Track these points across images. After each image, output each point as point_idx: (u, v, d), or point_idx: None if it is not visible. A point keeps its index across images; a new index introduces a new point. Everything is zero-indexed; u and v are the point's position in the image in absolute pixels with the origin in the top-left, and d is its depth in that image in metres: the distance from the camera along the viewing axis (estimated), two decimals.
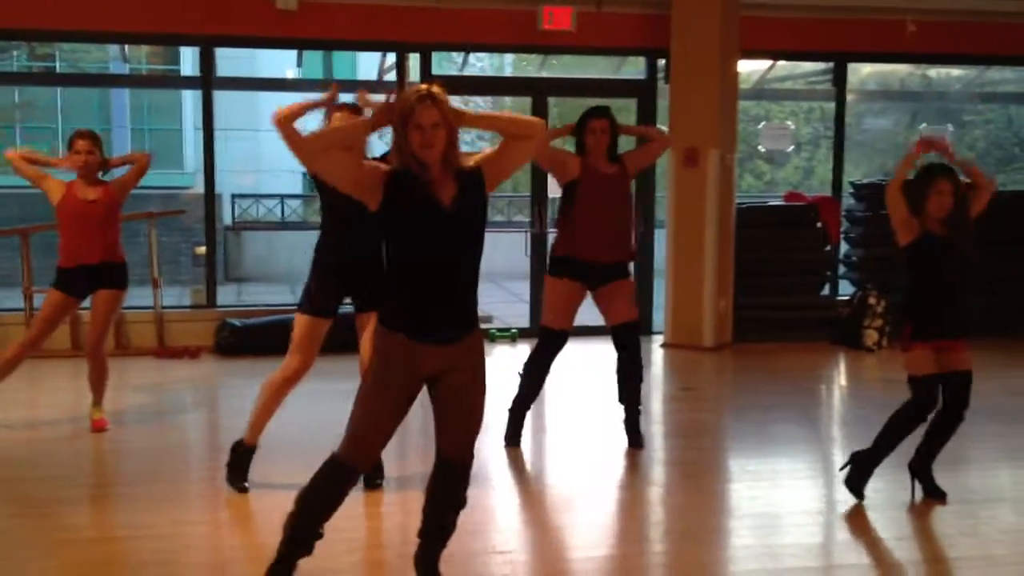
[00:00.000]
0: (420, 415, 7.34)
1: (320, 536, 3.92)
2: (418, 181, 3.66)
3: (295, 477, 5.65)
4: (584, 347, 8.48)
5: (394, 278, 3.75)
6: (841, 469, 5.62)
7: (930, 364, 5.27)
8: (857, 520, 5.27)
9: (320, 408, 7.25)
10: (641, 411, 6.53)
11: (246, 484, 5.44)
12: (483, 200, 3.77)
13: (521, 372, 6.46)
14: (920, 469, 5.51)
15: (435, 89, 3.67)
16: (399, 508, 5.33)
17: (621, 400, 6.46)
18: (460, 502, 4.06)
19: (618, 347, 6.36)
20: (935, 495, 5.46)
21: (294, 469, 5.82)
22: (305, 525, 3.88)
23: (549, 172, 6.86)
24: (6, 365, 6.66)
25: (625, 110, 10.24)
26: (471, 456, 3.99)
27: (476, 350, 3.86)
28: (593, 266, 6.20)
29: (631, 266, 6.69)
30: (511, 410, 6.47)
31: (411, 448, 6.44)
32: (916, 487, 5.53)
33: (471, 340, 3.83)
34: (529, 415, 6.56)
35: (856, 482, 5.48)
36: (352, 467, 3.84)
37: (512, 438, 6.46)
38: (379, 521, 5.25)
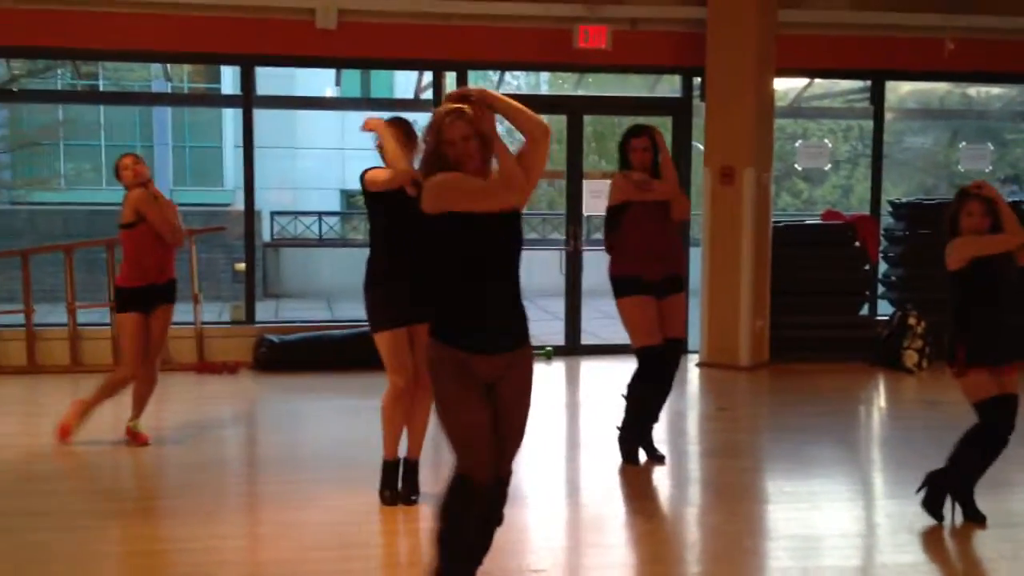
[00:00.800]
0: None
1: (472, 548, 4.00)
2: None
3: (332, 495, 5.70)
4: (617, 365, 8.47)
5: (445, 291, 3.80)
6: (917, 491, 5.50)
7: (991, 386, 5.20)
8: (895, 543, 5.21)
9: (357, 425, 7.30)
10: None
11: (390, 492, 5.56)
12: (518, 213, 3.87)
13: (625, 395, 6.49)
14: (964, 493, 5.41)
15: (465, 106, 3.74)
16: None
17: (646, 417, 6.52)
18: (498, 518, 4.06)
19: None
20: (975, 518, 5.38)
21: (332, 487, 5.88)
22: (451, 543, 3.93)
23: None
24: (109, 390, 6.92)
25: (660, 128, 10.21)
26: (509, 472, 3.99)
27: (525, 364, 3.91)
28: (651, 282, 6.31)
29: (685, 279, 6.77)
30: (620, 437, 6.50)
31: (446, 465, 6.45)
32: (956, 510, 5.45)
33: (521, 353, 3.88)
34: (563, 433, 6.57)
35: (933, 504, 5.40)
36: (473, 478, 3.84)
37: (630, 459, 6.48)
38: (416, 538, 5.25)
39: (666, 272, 6.37)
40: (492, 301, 3.78)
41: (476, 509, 3.90)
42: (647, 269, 6.29)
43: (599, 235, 8.87)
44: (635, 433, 6.49)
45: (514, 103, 3.88)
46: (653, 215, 6.30)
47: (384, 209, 5.35)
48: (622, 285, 6.36)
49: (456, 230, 3.73)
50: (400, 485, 5.58)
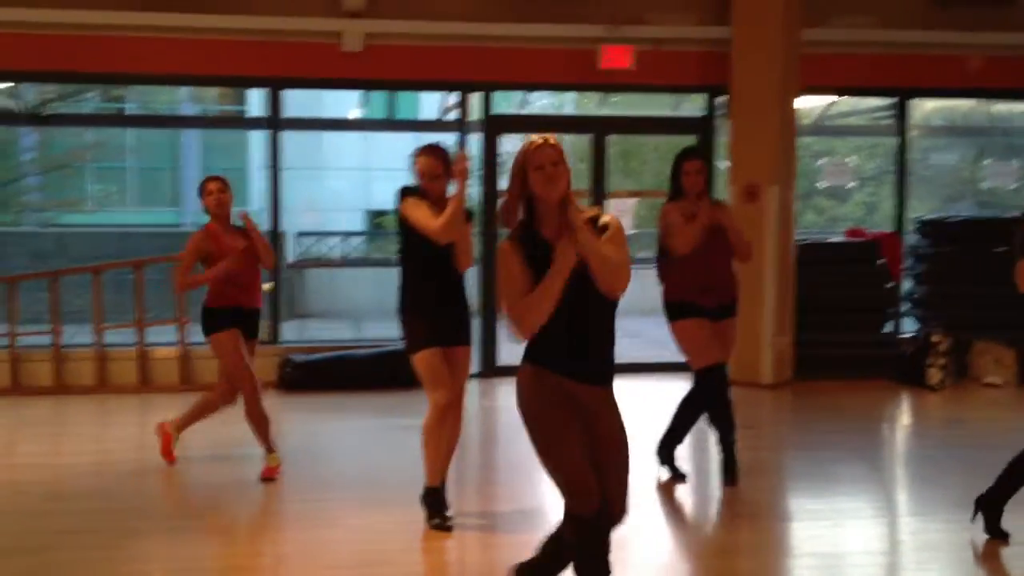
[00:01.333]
0: (476, 451, 7.38)
1: None
2: (540, 239, 3.76)
3: (356, 514, 5.74)
4: (644, 384, 8.48)
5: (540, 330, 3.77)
6: (972, 519, 5.38)
7: None
8: (918, 560, 5.19)
9: (381, 444, 7.33)
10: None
11: (441, 519, 5.49)
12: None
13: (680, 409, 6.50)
14: (989, 507, 5.31)
15: (551, 137, 3.80)
16: (456, 543, 5.37)
17: (721, 435, 6.51)
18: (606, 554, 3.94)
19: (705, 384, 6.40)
20: (997, 535, 5.30)
21: (356, 506, 5.91)
22: None
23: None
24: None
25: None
26: (624, 509, 3.96)
27: (616, 405, 3.91)
28: (706, 308, 6.31)
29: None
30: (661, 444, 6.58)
31: (469, 486, 6.49)
32: (979, 522, 5.34)
33: (612, 393, 3.90)
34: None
35: (992, 525, 5.31)
36: (586, 515, 3.79)
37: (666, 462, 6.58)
38: (439, 556, 5.27)
39: (723, 300, 6.40)
40: (580, 333, 3.81)
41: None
42: (703, 299, 6.30)
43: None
44: (674, 446, 6.56)
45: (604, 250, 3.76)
46: (709, 244, 6.25)
47: (421, 239, 5.33)
48: (675, 310, 6.37)
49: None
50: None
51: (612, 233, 3.78)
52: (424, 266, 5.46)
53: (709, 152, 10.58)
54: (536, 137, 3.81)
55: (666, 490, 6.39)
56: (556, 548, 4.06)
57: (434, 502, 5.51)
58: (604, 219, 3.83)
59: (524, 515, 5.77)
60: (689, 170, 6.29)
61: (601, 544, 3.86)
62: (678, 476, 6.53)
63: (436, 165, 5.38)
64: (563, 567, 4.07)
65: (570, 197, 3.77)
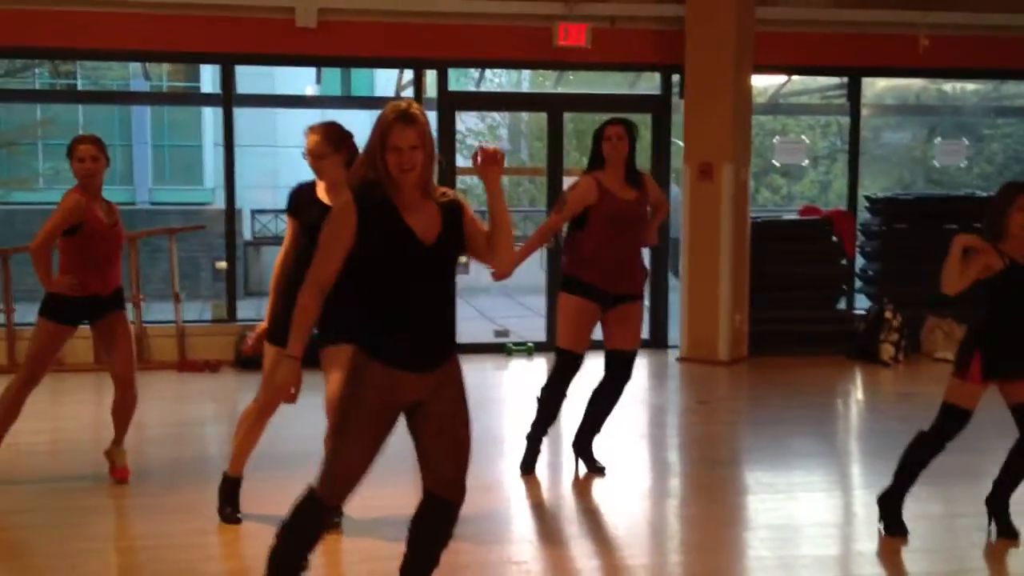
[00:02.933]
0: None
1: (305, 568, 3.73)
2: (390, 210, 3.47)
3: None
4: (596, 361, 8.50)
5: (371, 307, 3.56)
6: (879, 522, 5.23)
7: (978, 399, 4.90)
8: (871, 532, 5.27)
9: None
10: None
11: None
12: (462, 236, 3.60)
13: (539, 397, 6.16)
14: (998, 506, 5.17)
15: (414, 107, 3.45)
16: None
17: (586, 426, 6.19)
18: (447, 539, 3.82)
19: (609, 371, 6.09)
20: (1008, 534, 5.13)
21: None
22: (287, 559, 3.72)
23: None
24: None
25: (640, 125, 10.26)
26: (462, 493, 3.72)
27: (455, 378, 3.65)
28: (605, 292, 5.93)
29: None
30: (529, 436, 6.19)
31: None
32: (993, 526, 5.17)
33: (449, 367, 3.63)
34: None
35: (893, 523, 5.15)
36: (330, 506, 3.70)
37: (527, 465, 6.19)
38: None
39: (628, 290, 5.98)
40: (419, 317, 3.55)
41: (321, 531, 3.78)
42: (604, 283, 5.88)
43: None
44: (541, 437, 6.20)
45: (505, 213, 3.61)
46: (625, 229, 5.87)
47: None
48: (570, 284, 5.97)
49: (381, 248, 3.54)
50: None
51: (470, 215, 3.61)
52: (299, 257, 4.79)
53: (666, 131, 10.65)
54: (402, 103, 3.45)
55: (624, 465, 6.42)
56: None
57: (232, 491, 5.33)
58: (452, 195, 3.60)
59: (482, 490, 5.78)
60: (611, 135, 5.81)
61: (315, 529, 3.72)
62: (596, 470, 6.24)
63: (323, 144, 4.87)
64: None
65: (429, 178, 3.50)
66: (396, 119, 3.41)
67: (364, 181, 3.51)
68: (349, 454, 3.59)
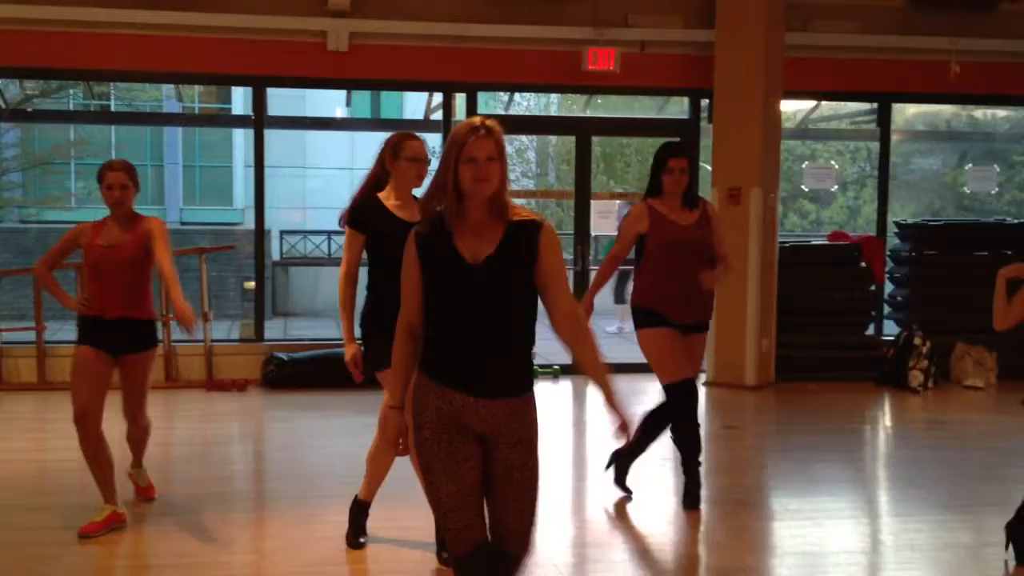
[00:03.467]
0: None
1: None
2: (444, 235, 3.33)
3: (340, 511, 5.72)
4: (622, 384, 8.48)
5: (427, 326, 3.42)
6: (1006, 549, 5.07)
7: None
8: (898, 560, 5.23)
9: (364, 442, 7.32)
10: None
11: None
12: (526, 258, 3.34)
13: (646, 421, 5.99)
14: (1018, 532, 5.08)
15: (490, 122, 3.34)
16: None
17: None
18: None
19: (668, 400, 5.99)
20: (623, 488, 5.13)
21: (339, 503, 5.90)
22: None
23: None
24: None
25: None
26: (525, 548, 3.51)
27: (525, 421, 3.44)
28: (673, 322, 5.81)
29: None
30: (619, 454, 6.16)
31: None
32: (1010, 551, 5.10)
33: (518, 405, 3.42)
34: (571, 450, 6.58)
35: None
36: (469, 557, 3.39)
37: (619, 481, 6.22)
38: (426, 551, 5.26)
39: (694, 319, 5.87)
40: (473, 342, 3.37)
41: None
42: (670, 313, 5.76)
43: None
44: (632, 459, 6.18)
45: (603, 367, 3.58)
46: (685, 253, 5.74)
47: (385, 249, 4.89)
48: (643, 316, 5.86)
49: (436, 272, 3.42)
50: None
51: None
52: (386, 280, 4.70)
53: (695, 153, 10.65)
54: (476, 119, 3.34)
55: (649, 490, 6.39)
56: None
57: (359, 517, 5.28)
58: (527, 215, 3.39)
59: None
60: (674, 167, 5.70)
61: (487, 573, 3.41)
62: (627, 493, 6.23)
63: (425, 150, 4.96)
64: None
65: (504, 197, 3.34)
66: (472, 130, 3.29)
67: (430, 216, 3.41)
68: (445, 492, 3.35)
